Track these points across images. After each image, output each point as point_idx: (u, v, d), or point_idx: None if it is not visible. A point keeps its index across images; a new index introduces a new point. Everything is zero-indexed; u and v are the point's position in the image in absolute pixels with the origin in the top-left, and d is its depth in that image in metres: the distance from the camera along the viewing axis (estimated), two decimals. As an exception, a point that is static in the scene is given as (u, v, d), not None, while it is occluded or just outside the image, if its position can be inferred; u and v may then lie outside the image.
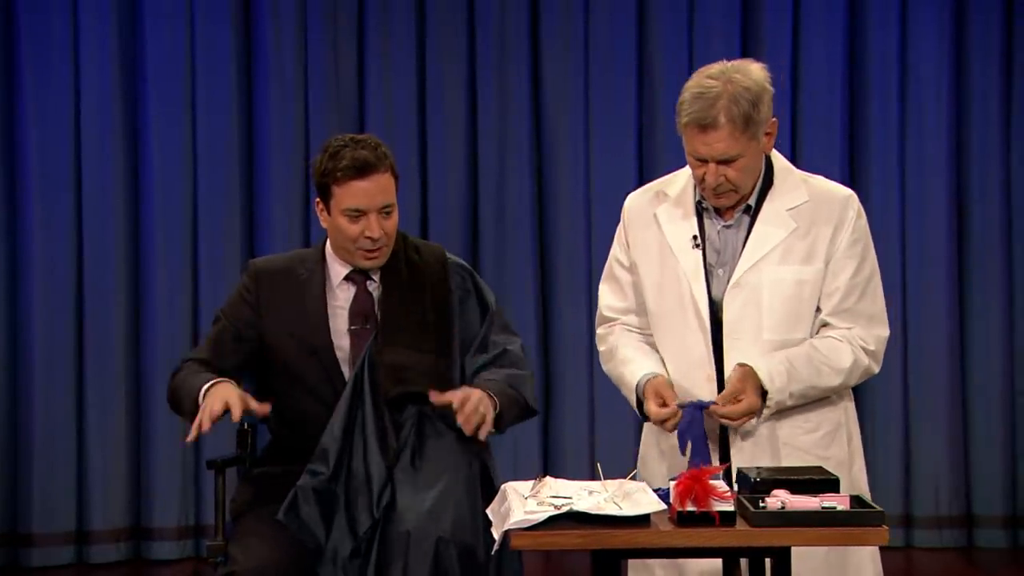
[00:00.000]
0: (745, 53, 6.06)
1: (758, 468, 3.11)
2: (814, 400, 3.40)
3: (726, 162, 3.30)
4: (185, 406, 3.45)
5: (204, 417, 3.28)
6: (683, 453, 3.31)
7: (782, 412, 3.38)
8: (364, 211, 3.47)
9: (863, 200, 5.97)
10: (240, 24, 6.05)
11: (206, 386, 3.39)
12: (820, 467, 3.29)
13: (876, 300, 3.42)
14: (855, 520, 2.89)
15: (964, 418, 6.12)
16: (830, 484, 3.00)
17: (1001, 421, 6.11)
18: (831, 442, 3.43)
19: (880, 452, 6.07)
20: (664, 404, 3.36)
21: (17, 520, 5.94)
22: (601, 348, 3.60)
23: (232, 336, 3.57)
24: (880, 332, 3.42)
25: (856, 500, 2.97)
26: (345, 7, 6.06)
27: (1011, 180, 6.11)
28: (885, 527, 2.90)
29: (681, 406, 3.34)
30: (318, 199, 3.55)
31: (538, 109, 6.13)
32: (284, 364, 3.55)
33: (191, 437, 3.28)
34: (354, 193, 3.46)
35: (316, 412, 3.51)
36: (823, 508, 2.90)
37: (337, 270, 3.59)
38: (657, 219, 3.48)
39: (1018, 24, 6.10)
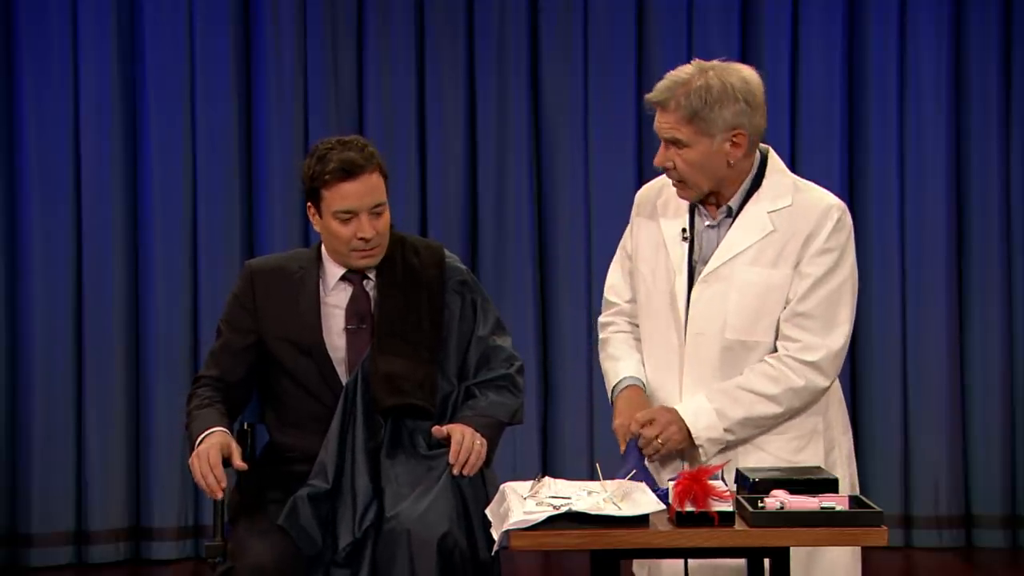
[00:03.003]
0: (744, 55, 6.06)
1: (757, 469, 3.12)
2: (781, 422, 3.38)
3: (674, 144, 3.33)
4: (190, 447, 3.53)
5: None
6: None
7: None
8: (355, 212, 3.49)
9: (863, 200, 6.11)
10: (239, 25, 6.04)
11: (200, 437, 3.45)
12: (819, 467, 3.30)
13: (837, 311, 3.36)
14: (854, 520, 2.90)
15: (963, 418, 6.12)
16: (829, 484, 3.00)
17: (1000, 421, 6.11)
18: (803, 448, 3.40)
19: (879, 452, 6.07)
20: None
21: (16, 520, 5.93)
22: (600, 336, 3.64)
23: (235, 349, 3.60)
24: (832, 343, 3.35)
25: (855, 500, 2.97)
26: (345, 8, 6.06)
27: (1010, 181, 6.11)
28: (884, 527, 2.90)
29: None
30: (309, 203, 3.56)
31: (537, 110, 6.13)
32: (281, 364, 3.57)
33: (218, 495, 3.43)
34: (344, 195, 3.48)
35: (313, 412, 3.52)
36: (822, 508, 2.90)
37: (333, 270, 3.60)
38: (656, 210, 3.52)
39: (1017, 25, 6.09)
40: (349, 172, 3.47)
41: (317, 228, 3.58)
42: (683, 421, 3.34)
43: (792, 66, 6.10)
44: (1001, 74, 6.09)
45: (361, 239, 3.50)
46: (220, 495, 3.38)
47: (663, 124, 3.34)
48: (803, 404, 3.37)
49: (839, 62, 6.08)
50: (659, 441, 3.33)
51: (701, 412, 3.34)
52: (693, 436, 3.33)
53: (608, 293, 3.63)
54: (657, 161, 3.38)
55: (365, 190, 3.48)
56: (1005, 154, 6.10)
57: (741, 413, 3.33)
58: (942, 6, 6.06)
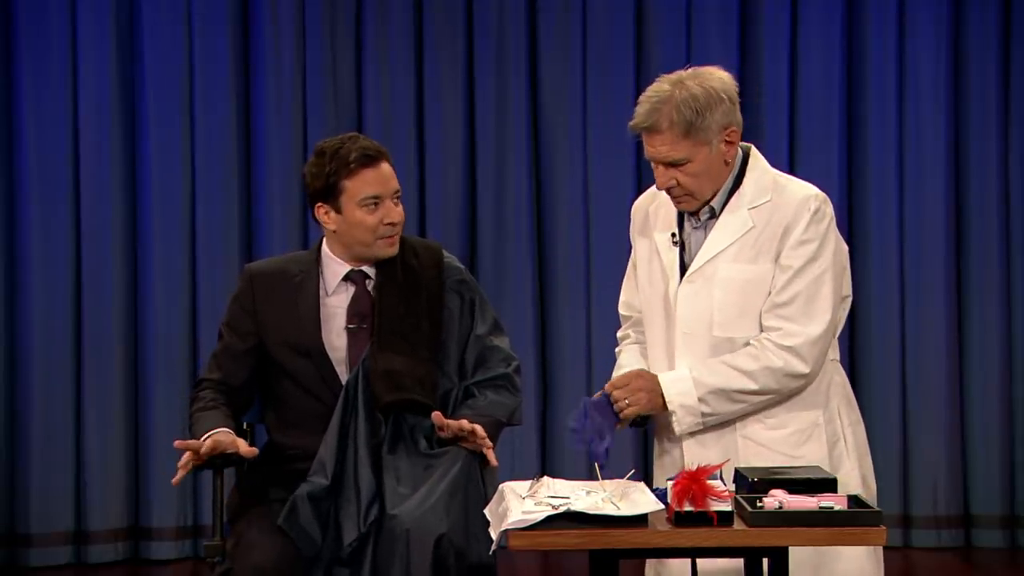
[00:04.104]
0: (743, 55, 6.07)
1: (756, 468, 3.13)
2: (759, 404, 3.39)
3: (674, 165, 3.34)
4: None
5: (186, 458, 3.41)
6: (588, 453, 3.35)
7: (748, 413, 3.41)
8: (381, 197, 3.52)
9: (861, 200, 6.12)
10: (238, 25, 6.04)
11: (204, 438, 3.45)
12: (818, 467, 3.30)
13: (816, 301, 3.36)
14: (852, 520, 2.90)
15: (962, 418, 6.12)
16: (828, 484, 3.01)
17: (999, 421, 6.11)
18: (803, 441, 3.41)
19: (878, 452, 6.03)
20: None
21: (15, 520, 5.93)
22: (616, 349, 3.67)
23: (236, 352, 3.60)
24: (811, 330, 3.34)
25: (854, 500, 2.97)
26: (343, 8, 6.06)
27: (1010, 181, 6.11)
28: (883, 527, 2.90)
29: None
30: (320, 203, 3.55)
31: (536, 110, 6.13)
32: (281, 366, 3.57)
33: (176, 479, 3.39)
34: (369, 181, 3.51)
35: (314, 412, 3.52)
36: (821, 508, 2.90)
37: (335, 270, 3.60)
38: (649, 218, 3.54)
39: (1016, 25, 6.10)
40: (372, 159, 3.52)
41: (332, 227, 3.56)
42: (657, 388, 3.37)
43: (791, 66, 6.11)
44: (1000, 74, 6.10)
45: (389, 224, 3.53)
46: (183, 466, 3.39)
47: (659, 148, 3.33)
48: (780, 386, 3.37)
49: (838, 62, 6.09)
50: (625, 402, 3.36)
51: (679, 379, 3.37)
52: (667, 400, 3.36)
53: (621, 308, 3.67)
54: (659, 185, 3.38)
55: (388, 175, 3.55)
56: (1004, 154, 6.11)
57: (717, 383, 3.35)
58: (941, 6, 6.07)
